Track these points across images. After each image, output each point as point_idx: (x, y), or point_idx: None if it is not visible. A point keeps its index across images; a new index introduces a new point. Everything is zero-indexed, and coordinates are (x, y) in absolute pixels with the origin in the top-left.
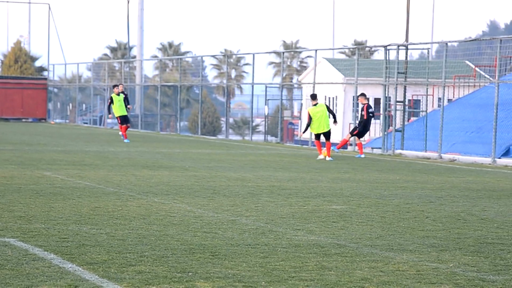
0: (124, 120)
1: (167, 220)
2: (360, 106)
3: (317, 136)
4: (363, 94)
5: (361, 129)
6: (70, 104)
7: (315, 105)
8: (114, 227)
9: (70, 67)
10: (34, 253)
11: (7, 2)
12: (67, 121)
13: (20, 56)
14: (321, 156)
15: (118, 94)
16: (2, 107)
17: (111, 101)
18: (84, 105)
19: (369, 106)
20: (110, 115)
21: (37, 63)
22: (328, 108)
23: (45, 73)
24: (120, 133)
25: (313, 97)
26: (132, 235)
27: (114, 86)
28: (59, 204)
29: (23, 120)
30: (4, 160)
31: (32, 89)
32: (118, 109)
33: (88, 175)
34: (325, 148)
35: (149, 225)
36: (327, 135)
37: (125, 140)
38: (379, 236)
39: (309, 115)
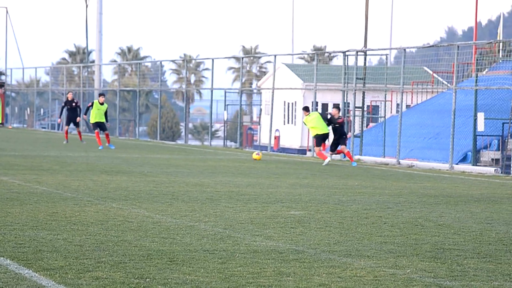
0: (101, 127)
1: (125, 225)
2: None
3: (319, 143)
4: (336, 107)
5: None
6: (28, 109)
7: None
8: (72, 233)
9: (28, 71)
10: None
11: None
12: (25, 125)
13: None
14: (327, 160)
15: (102, 104)
16: None
17: (91, 105)
18: (42, 109)
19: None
20: (85, 116)
21: None
22: (321, 115)
23: (3, 77)
24: (96, 140)
25: (306, 109)
26: (89, 241)
27: (100, 94)
28: (16, 210)
29: None
30: None
31: None
32: (96, 115)
33: (46, 180)
34: (329, 152)
35: (107, 231)
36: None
37: (111, 146)
38: (337, 242)
39: (305, 124)
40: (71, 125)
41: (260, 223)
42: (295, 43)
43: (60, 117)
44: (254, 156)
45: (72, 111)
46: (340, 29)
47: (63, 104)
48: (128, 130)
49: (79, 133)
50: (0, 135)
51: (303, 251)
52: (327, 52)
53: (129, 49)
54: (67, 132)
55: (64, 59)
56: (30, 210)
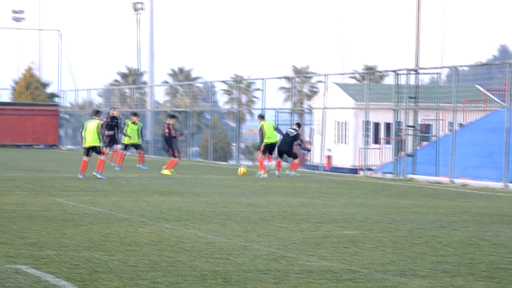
0: (136, 146)
1: (178, 246)
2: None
3: (265, 151)
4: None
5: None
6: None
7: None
8: (126, 254)
9: (81, 93)
10: (46, 280)
11: (18, 29)
12: (78, 147)
13: (31, 83)
14: (262, 174)
15: (134, 123)
16: (13, 134)
17: (125, 125)
18: None
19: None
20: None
21: (49, 90)
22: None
23: (57, 99)
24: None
25: (261, 117)
26: (144, 262)
27: (133, 114)
28: (71, 231)
29: (35, 146)
30: (15, 187)
31: (44, 116)
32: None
33: (100, 201)
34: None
35: (161, 251)
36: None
37: (143, 167)
38: (391, 262)
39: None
40: (118, 146)
41: (313, 243)
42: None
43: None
44: (239, 172)
45: (114, 129)
46: (391, 47)
47: (108, 121)
48: (180, 150)
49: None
50: (54, 157)
51: (357, 270)
52: (378, 71)
53: (181, 70)
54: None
55: (116, 80)
56: (85, 231)
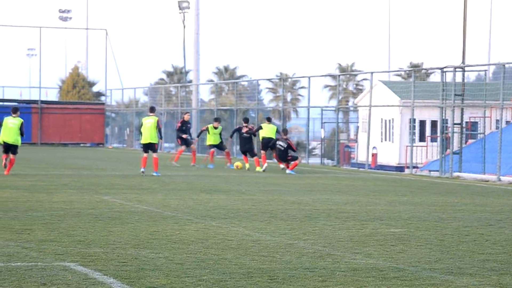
0: (219, 147)
1: (225, 244)
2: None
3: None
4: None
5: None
6: (128, 129)
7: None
8: (173, 251)
9: (127, 92)
10: (93, 277)
11: (65, 28)
12: (124, 145)
13: (78, 82)
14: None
15: (216, 128)
16: (60, 133)
17: (206, 129)
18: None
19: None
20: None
21: (95, 88)
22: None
23: (103, 98)
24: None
25: (217, 120)
26: (190, 259)
27: (216, 119)
28: (118, 228)
29: (81, 145)
30: (63, 185)
31: (90, 114)
32: (211, 138)
33: (146, 199)
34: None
35: (207, 249)
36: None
37: (231, 166)
38: (438, 260)
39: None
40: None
41: (359, 241)
42: (392, 60)
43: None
44: (238, 164)
45: (187, 132)
46: (438, 45)
47: (180, 125)
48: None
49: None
50: (100, 155)
51: (404, 269)
52: (424, 69)
53: (226, 69)
54: (180, 154)
55: (162, 79)
56: (131, 229)
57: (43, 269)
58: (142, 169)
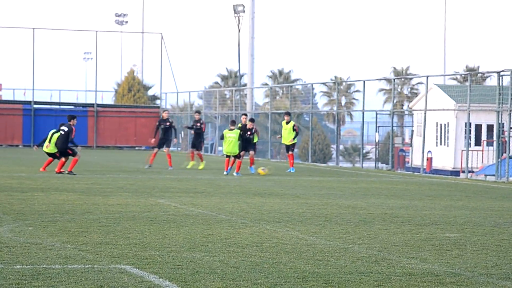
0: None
1: (279, 247)
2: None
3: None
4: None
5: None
6: (182, 132)
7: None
8: (228, 255)
9: (182, 96)
10: (149, 280)
11: (121, 32)
12: (179, 149)
13: (133, 85)
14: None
15: (287, 123)
16: (116, 136)
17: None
18: None
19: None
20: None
21: (150, 92)
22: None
23: (158, 101)
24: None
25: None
26: (245, 263)
27: (287, 113)
28: (173, 232)
29: (137, 148)
30: (118, 188)
31: (145, 118)
32: (284, 137)
33: (201, 202)
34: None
35: (262, 253)
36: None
37: (292, 170)
38: (495, 265)
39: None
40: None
41: (414, 246)
42: (447, 63)
43: (154, 137)
44: (260, 171)
45: (165, 132)
46: (494, 48)
47: (157, 124)
48: (279, 152)
49: (169, 156)
50: (155, 158)
51: (460, 274)
52: (481, 73)
53: (280, 72)
54: (154, 156)
55: (216, 83)
56: (186, 232)
57: (99, 272)
58: (224, 172)
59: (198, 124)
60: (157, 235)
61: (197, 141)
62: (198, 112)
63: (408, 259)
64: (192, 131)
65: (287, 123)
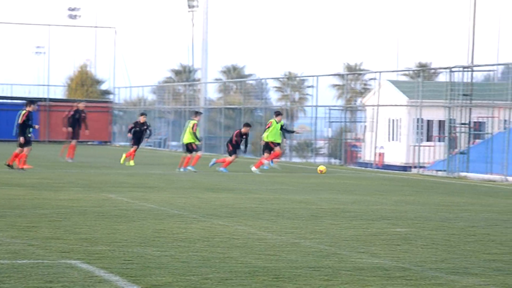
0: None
1: (230, 242)
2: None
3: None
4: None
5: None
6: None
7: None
8: (178, 249)
9: (134, 90)
10: (99, 275)
11: (74, 26)
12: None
13: (86, 80)
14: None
15: (278, 122)
16: (68, 130)
17: (270, 126)
18: None
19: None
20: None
21: (102, 87)
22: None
23: (110, 96)
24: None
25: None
26: (195, 258)
27: (277, 113)
28: (123, 226)
29: (88, 143)
30: (69, 183)
31: (97, 112)
32: (271, 135)
33: (152, 197)
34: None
35: (213, 248)
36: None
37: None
38: (443, 259)
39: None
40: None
41: (365, 240)
42: (399, 59)
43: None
44: (322, 168)
45: (142, 133)
46: (446, 44)
47: (133, 125)
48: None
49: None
50: (106, 153)
51: (409, 268)
52: (432, 69)
53: (234, 67)
54: (134, 152)
55: (169, 78)
56: (137, 227)
57: (48, 267)
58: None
59: (145, 127)
60: (107, 230)
61: (138, 140)
62: (144, 114)
63: (358, 253)
64: (129, 134)
65: (278, 122)
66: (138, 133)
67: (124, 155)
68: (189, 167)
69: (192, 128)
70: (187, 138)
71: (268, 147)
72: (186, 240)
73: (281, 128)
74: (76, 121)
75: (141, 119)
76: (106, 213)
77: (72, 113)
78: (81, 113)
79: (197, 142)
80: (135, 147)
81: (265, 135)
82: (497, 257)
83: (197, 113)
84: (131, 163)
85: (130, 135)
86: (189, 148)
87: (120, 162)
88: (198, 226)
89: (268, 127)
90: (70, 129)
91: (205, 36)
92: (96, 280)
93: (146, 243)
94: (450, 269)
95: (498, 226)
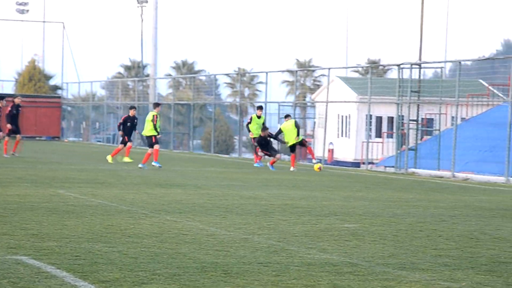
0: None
1: (179, 238)
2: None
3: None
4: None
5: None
6: (84, 122)
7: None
8: (127, 245)
9: (84, 86)
10: (46, 271)
11: (22, 21)
12: (80, 139)
13: (35, 75)
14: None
15: (259, 117)
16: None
17: (250, 122)
18: (97, 123)
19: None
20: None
21: (52, 82)
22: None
23: (59, 91)
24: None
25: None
26: (144, 253)
27: (258, 107)
28: (72, 222)
29: (37, 138)
30: (17, 178)
31: (46, 108)
32: (256, 129)
33: (102, 193)
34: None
35: (162, 243)
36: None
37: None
38: (391, 255)
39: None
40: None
41: (314, 236)
42: (349, 56)
43: (121, 133)
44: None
45: (133, 127)
46: (395, 42)
47: (122, 122)
48: (182, 143)
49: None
50: (56, 148)
51: (358, 264)
52: (382, 65)
53: (184, 63)
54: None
55: (119, 73)
56: (86, 222)
57: None
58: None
59: (135, 121)
60: (56, 225)
61: (130, 135)
62: (134, 108)
63: (307, 249)
64: (121, 132)
65: (259, 117)
66: (130, 128)
67: (124, 158)
68: (153, 163)
69: (152, 120)
70: (148, 130)
71: (293, 147)
72: (135, 236)
73: (263, 124)
74: (14, 116)
75: (131, 112)
76: (55, 209)
77: (10, 108)
78: (18, 107)
79: (155, 134)
80: (129, 143)
81: (251, 131)
82: (444, 252)
83: (157, 105)
84: (127, 159)
85: (122, 133)
86: (150, 141)
87: (122, 160)
88: (147, 222)
89: (249, 123)
90: (9, 125)
91: (155, 31)
92: (44, 276)
93: (95, 239)
94: (398, 265)
95: (446, 222)
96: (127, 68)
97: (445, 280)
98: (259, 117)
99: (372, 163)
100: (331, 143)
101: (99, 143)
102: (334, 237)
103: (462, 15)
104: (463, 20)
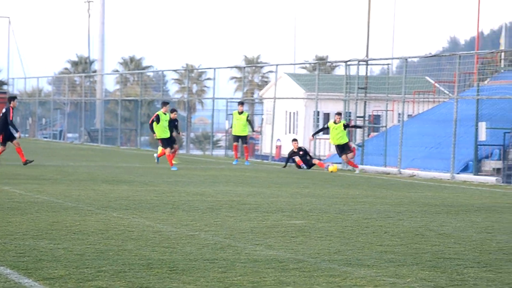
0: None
1: (125, 235)
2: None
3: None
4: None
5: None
6: (30, 118)
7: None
8: (72, 242)
9: (30, 81)
10: None
11: None
12: (26, 135)
13: None
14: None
15: (165, 113)
16: None
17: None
18: (44, 119)
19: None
20: (154, 134)
21: None
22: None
23: (5, 87)
24: (156, 155)
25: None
26: (90, 250)
27: (164, 103)
28: (17, 219)
29: None
30: None
31: None
32: (236, 127)
33: (47, 189)
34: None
35: (108, 240)
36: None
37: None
38: (337, 251)
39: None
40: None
41: (260, 233)
42: (297, 52)
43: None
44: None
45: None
46: (342, 38)
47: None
48: (129, 139)
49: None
50: None
51: (304, 260)
52: (329, 62)
53: (132, 59)
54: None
55: (66, 69)
56: (31, 219)
57: None
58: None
59: (176, 123)
60: (0, 222)
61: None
62: (175, 111)
63: (254, 245)
64: (154, 134)
65: (240, 113)
66: (171, 131)
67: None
68: (155, 155)
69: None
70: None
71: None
72: (81, 233)
73: (247, 118)
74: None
75: (172, 115)
76: (0, 206)
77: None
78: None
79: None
80: (176, 146)
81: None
82: (389, 248)
83: (165, 104)
84: (176, 160)
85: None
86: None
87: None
88: (93, 219)
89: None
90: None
91: (102, 27)
92: None
93: (40, 235)
94: (344, 261)
95: (391, 218)
96: (74, 64)
97: (390, 276)
98: (240, 113)
99: (319, 159)
100: (278, 139)
101: (45, 139)
102: (281, 233)
103: (409, 13)
104: (410, 17)
